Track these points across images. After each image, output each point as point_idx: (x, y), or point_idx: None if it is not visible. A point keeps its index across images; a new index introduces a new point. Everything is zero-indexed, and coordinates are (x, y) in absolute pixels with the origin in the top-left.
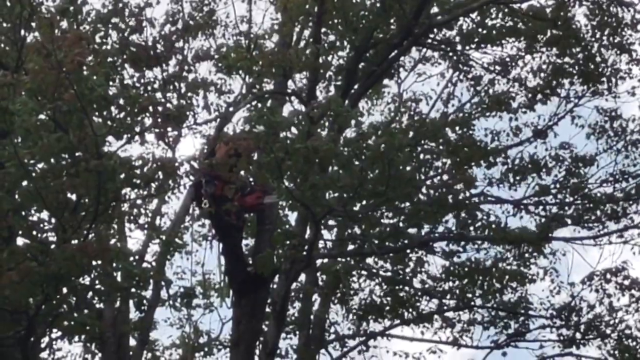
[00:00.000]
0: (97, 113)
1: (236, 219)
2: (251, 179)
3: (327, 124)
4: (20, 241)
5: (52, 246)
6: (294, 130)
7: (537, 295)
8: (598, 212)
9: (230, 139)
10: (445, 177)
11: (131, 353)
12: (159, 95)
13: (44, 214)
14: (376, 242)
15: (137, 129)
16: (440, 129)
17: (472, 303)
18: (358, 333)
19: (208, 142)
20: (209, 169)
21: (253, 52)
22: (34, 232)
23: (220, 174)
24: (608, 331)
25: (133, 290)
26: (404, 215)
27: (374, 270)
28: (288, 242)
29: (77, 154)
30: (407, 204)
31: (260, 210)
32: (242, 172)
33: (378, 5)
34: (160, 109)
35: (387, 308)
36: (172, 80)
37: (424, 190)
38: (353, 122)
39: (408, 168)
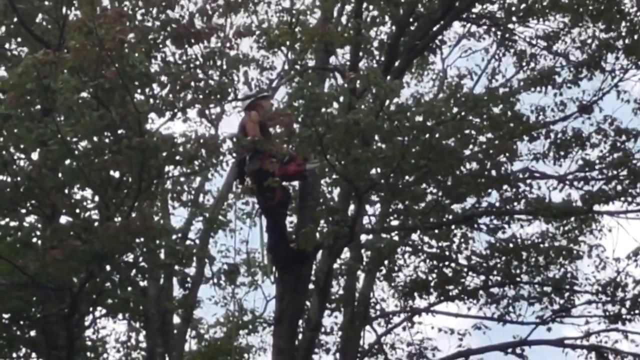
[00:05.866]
0: (139, 90)
1: (281, 194)
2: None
3: (369, 97)
4: (63, 219)
5: (96, 224)
6: (334, 104)
7: (582, 271)
8: None
9: (270, 115)
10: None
11: (175, 331)
12: (200, 72)
13: (87, 192)
14: (419, 217)
15: (179, 106)
16: (483, 102)
17: (518, 279)
18: (403, 309)
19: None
20: (251, 145)
21: (295, 28)
22: (78, 210)
23: (261, 148)
24: None
25: (177, 267)
26: (446, 189)
27: (419, 247)
28: (331, 217)
29: (119, 131)
30: (449, 177)
31: (303, 177)
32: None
33: None
34: (202, 85)
35: (432, 284)
36: (213, 57)
37: (467, 165)
38: (394, 94)
39: (450, 141)
